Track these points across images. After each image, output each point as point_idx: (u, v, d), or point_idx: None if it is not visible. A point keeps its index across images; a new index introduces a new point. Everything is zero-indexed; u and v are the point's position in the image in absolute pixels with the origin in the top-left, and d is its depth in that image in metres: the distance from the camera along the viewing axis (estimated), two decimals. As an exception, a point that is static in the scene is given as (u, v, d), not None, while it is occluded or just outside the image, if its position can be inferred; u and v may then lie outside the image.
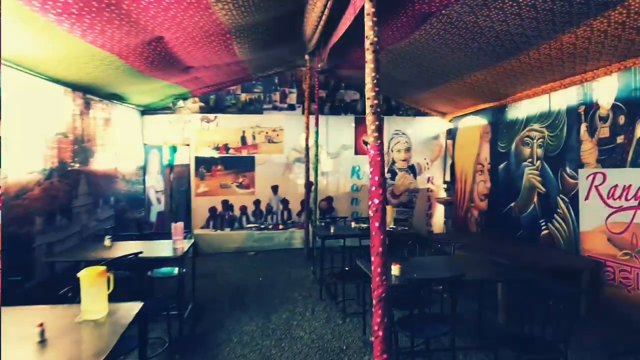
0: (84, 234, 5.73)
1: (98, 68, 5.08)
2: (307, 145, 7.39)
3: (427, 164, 9.24)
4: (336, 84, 8.82)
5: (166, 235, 5.25)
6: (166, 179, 10.11)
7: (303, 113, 8.66)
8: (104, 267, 2.61)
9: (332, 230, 5.69)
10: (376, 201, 2.71)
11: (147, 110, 8.28)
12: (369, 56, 2.74)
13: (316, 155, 6.09)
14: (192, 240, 5.20)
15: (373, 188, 2.75)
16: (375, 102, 2.73)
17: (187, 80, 7.10)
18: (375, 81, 2.71)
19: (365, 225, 5.96)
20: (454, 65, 5.80)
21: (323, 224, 6.09)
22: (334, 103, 8.86)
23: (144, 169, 8.31)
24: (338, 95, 8.87)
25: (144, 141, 8.32)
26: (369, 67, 2.74)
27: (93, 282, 2.48)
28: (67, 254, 4.54)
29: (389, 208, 6.22)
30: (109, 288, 2.57)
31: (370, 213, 2.78)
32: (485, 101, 7.24)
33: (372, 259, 2.71)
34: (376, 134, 2.74)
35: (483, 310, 4.40)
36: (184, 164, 9.43)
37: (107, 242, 4.76)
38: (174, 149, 10.40)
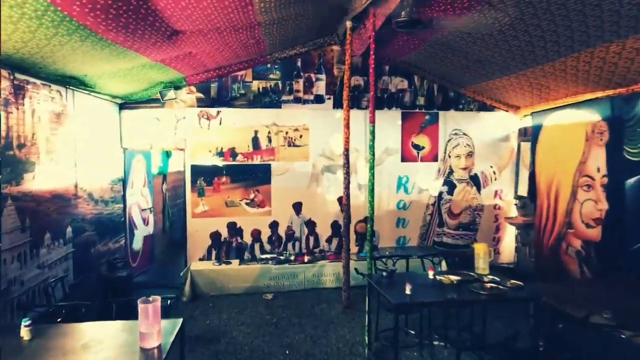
0: (9, 297, 3.63)
1: (30, 28, 3.00)
2: (346, 149, 5.26)
3: (494, 173, 7.09)
4: (378, 69, 6.68)
5: (152, 274, 3.17)
6: (156, 192, 8.02)
7: (335, 106, 6.55)
8: None
9: (407, 290, 3.54)
10: None
11: (127, 104, 6.18)
12: None
13: (372, 161, 3.97)
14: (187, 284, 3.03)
15: None
16: None
17: (178, 59, 4.98)
18: None
19: (457, 278, 3.84)
20: (557, 38, 3.70)
21: (384, 273, 3.98)
22: (374, 94, 6.70)
23: (123, 182, 6.21)
24: (380, 84, 6.73)
25: (123, 145, 6.22)
26: None
27: None
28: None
29: (480, 247, 4.09)
30: None
31: None
32: (597, 88, 5.09)
33: None
34: None
35: None
36: (180, 170, 7.35)
37: (24, 332, 2.65)
38: (167, 154, 8.30)
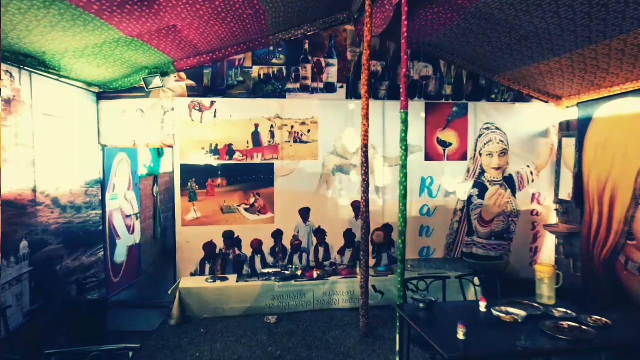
0: None
1: None
2: (365, 145, 4.34)
3: (531, 173, 6.14)
4: (397, 52, 5.76)
5: (139, 289, 2.27)
6: (145, 195, 7.13)
7: (348, 96, 5.63)
8: None
9: (460, 334, 2.60)
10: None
11: (105, 93, 5.28)
12: None
13: (404, 158, 3.02)
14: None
15: None
16: None
17: (161, 36, 4.08)
18: None
19: (520, 313, 2.90)
20: (624, 7, 2.77)
21: (420, 305, 3.04)
22: (393, 81, 5.79)
23: (102, 185, 5.32)
24: (400, 70, 5.79)
25: (101, 141, 5.32)
26: None
27: None
28: None
29: (545, 269, 3.16)
30: None
31: None
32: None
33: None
34: None
35: None
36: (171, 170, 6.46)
37: None
38: (157, 151, 7.40)
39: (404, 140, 3.18)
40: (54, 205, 4.24)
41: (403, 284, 3.34)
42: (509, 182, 6.08)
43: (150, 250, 7.13)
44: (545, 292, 3.25)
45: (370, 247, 5.82)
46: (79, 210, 4.76)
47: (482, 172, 6.03)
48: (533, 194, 6.16)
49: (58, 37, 3.49)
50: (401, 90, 3.19)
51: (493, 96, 6.01)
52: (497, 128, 6.01)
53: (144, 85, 5.24)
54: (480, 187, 6.02)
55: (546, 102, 6.07)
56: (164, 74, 5.32)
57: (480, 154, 6.00)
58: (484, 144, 5.99)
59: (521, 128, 6.08)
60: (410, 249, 5.92)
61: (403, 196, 3.18)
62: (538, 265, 3.36)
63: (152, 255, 7.18)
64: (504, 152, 6.03)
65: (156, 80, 5.26)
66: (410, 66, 5.78)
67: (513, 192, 6.10)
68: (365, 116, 4.30)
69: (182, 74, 5.41)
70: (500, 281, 4.03)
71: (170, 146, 5.46)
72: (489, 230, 6.06)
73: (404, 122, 3.18)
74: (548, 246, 6.21)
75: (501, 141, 6.02)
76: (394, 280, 5.39)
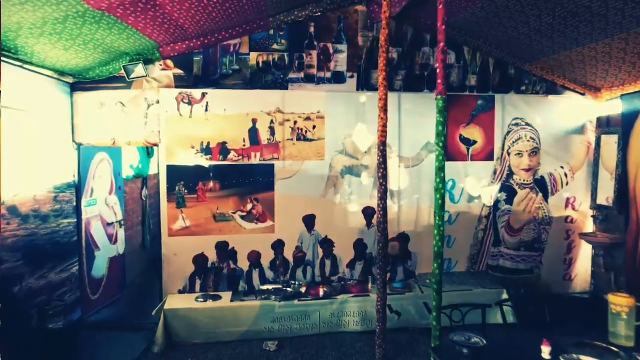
0: None
1: None
2: (382, 142, 3.62)
3: (565, 175, 5.43)
4: (416, 37, 5.05)
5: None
6: (133, 199, 6.43)
7: (359, 87, 4.93)
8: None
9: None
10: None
11: (80, 83, 4.59)
12: None
13: (441, 158, 2.28)
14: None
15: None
16: None
17: (139, 13, 3.38)
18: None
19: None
20: None
21: (464, 351, 2.34)
22: (411, 71, 5.08)
23: (77, 189, 4.62)
24: (418, 58, 5.09)
25: (76, 139, 4.63)
26: None
27: None
28: None
29: (622, 301, 2.44)
30: None
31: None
32: None
33: None
34: None
35: None
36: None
37: None
38: (147, 151, 6.68)
39: (441, 135, 2.48)
40: (10, 215, 3.54)
41: (438, 319, 2.63)
42: (541, 186, 5.37)
43: (137, 261, 6.41)
44: (623, 330, 2.54)
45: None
46: (45, 219, 4.06)
47: (511, 174, 5.31)
48: (567, 199, 5.44)
49: (5, 8, 2.80)
50: (438, 70, 2.50)
51: (523, 88, 5.30)
52: (527, 124, 5.30)
53: (125, 75, 4.54)
54: (509, 191, 5.31)
55: (582, 94, 5.35)
56: (147, 61, 4.62)
57: (508, 154, 5.29)
58: (513, 142, 5.28)
59: (554, 124, 5.36)
60: (428, 262, 5.18)
61: (440, 207, 2.48)
62: (613, 296, 2.65)
63: (139, 266, 6.46)
64: (535, 152, 5.32)
65: (139, 69, 4.55)
66: (429, 53, 5.07)
67: (545, 197, 5.38)
68: (383, 108, 3.59)
69: (169, 62, 4.71)
70: (547, 305, 3.34)
71: (155, 145, 4.76)
72: (518, 239, 5.34)
73: (442, 111, 2.48)
74: (584, 258, 5.50)
75: (532, 139, 5.30)
76: (412, 298, 4.69)
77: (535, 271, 5.40)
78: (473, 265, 5.31)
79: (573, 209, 5.45)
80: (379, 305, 3.77)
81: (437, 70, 2.55)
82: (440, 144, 2.48)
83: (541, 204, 5.37)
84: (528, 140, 5.29)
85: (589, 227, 5.47)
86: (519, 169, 5.31)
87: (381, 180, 3.67)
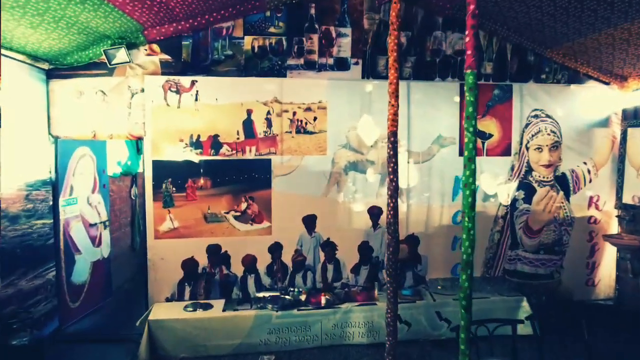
0: None
1: None
2: (393, 133, 3.17)
3: (588, 172, 4.99)
4: (427, 20, 4.60)
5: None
6: (121, 199, 6.01)
7: (365, 75, 4.50)
8: None
9: None
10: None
11: (57, 70, 4.15)
12: None
13: (471, 149, 1.89)
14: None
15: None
16: None
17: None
18: None
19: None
20: None
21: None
22: (421, 57, 4.64)
23: (54, 187, 4.19)
24: (429, 43, 4.65)
25: (52, 131, 4.19)
26: None
27: None
28: None
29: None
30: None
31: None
32: None
33: None
34: None
35: None
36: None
37: None
38: (136, 145, 6.24)
39: (472, 118, 2.04)
40: (-31, 216, 3.11)
41: (467, 342, 2.19)
42: (562, 183, 4.93)
43: (126, 265, 5.98)
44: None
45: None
46: (15, 220, 3.62)
47: (530, 170, 4.87)
48: (590, 198, 5.00)
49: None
50: (467, 39, 2.05)
51: (543, 76, 4.86)
52: (547, 116, 4.85)
53: (107, 61, 4.10)
54: (527, 189, 4.87)
55: (607, 83, 4.92)
56: (131, 45, 4.18)
57: (527, 148, 4.85)
58: (532, 135, 4.84)
59: (576, 116, 4.92)
60: (441, 265, 4.79)
61: (470, 206, 2.04)
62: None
63: (128, 270, 6.03)
64: (556, 146, 4.88)
65: (121, 54, 4.11)
66: (441, 38, 4.63)
67: (567, 196, 4.94)
68: (394, 94, 3.14)
69: (155, 47, 4.27)
70: (585, 319, 2.91)
71: (139, 138, 4.32)
72: (537, 242, 4.90)
73: (472, 89, 2.04)
74: (608, 262, 5.06)
75: (553, 132, 4.86)
76: (424, 307, 4.26)
77: (555, 276, 4.97)
78: (488, 270, 4.88)
79: (597, 208, 5.01)
80: (389, 318, 3.31)
81: (467, 40, 2.11)
82: (471, 129, 2.04)
83: (562, 203, 4.93)
84: (548, 134, 4.85)
85: (614, 228, 5.03)
86: (539, 165, 4.87)
87: (392, 177, 3.21)
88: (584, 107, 4.92)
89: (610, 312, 4.98)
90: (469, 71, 2.08)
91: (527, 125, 4.82)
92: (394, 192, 3.24)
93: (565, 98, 4.87)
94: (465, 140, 2.08)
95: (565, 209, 4.94)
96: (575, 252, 4.98)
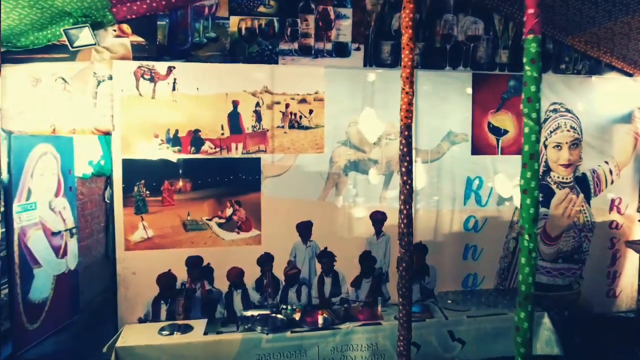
0: None
1: None
2: (407, 126, 2.65)
3: (610, 172, 4.55)
4: (436, 1, 4.10)
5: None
6: (92, 202, 5.40)
7: (367, 63, 3.99)
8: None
9: None
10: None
11: (9, 53, 3.53)
12: None
13: (534, 138, 1.42)
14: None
15: None
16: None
17: None
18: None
19: None
20: None
21: None
22: (430, 43, 4.13)
23: (5, 190, 3.58)
24: (439, 27, 4.14)
25: (4, 125, 3.58)
26: None
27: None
28: None
29: None
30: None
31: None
32: None
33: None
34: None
35: None
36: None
37: None
38: (109, 142, 5.59)
39: (535, 100, 1.52)
40: None
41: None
42: (582, 185, 4.48)
43: (98, 277, 5.34)
44: None
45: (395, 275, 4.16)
46: (-49, 231, 3.01)
47: (548, 170, 4.41)
48: (612, 201, 4.56)
49: None
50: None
51: (563, 66, 4.40)
52: (567, 110, 4.39)
53: (68, 43, 3.51)
54: (545, 191, 4.40)
55: (630, 75, 4.49)
56: (97, 25, 3.59)
57: (545, 146, 4.38)
58: (551, 131, 4.37)
59: (597, 110, 4.48)
60: (450, 276, 4.30)
61: (532, 221, 1.52)
62: None
63: (101, 282, 5.39)
64: (576, 144, 4.42)
65: (85, 35, 3.52)
66: (452, 21, 4.12)
67: (587, 198, 4.50)
68: (409, 79, 2.63)
69: (126, 27, 3.68)
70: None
71: (107, 133, 3.73)
72: (555, 249, 4.44)
73: (535, 60, 1.52)
74: (630, 271, 4.64)
75: (573, 128, 4.40)
76: (435, 326, 3.75)
77: (575, 287, 4.52)
78: (503, 281, 4.40)
79: (619, 212, 4.58)
80: (402, 346, 2.81)
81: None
82: (534, 115, 1.54)
83: (582, 206, 4.48)
84: (568, 130, 4.38)
85: (637, 233, 4.61)
86: (558, 165, 4.40)
87: (405, 178, 2.71)
88: (605, 101, 4.47)
89: (631, 325, 4.57)
90: (531, 36, 1.57)
91: (545, 120, 4.35)
92: (408, 197, 2.73)
93: (586, 91, 4.42)
94: (526, 130, 1.58)
95: (585, 213, 4.49)
96: (595, 260, 4.54)
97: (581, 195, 4.47)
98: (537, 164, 1.59)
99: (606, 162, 4.52)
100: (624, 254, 4.59)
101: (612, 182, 4.54)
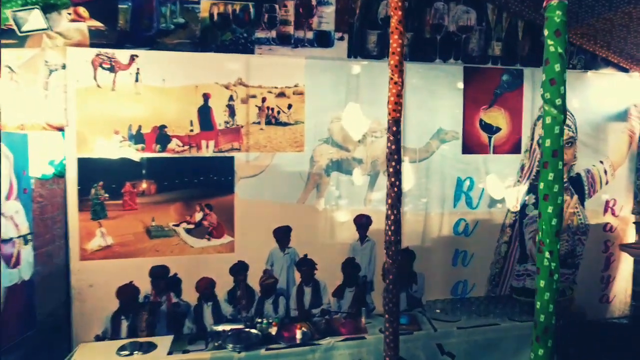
0: None
1: None
2: (395, 121, 2.35)
3: (605, 172, 4.34)
4: (425, -11, 3.81)
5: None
6: (49, 206, 4.92)
7: (351, 54, 3.67)
8: None
9: None
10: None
11: (-55, 36, 3.11)
12: None
13: (558, 132, 1.17)
14: None
15: None
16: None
17: None
18: None
19: None
20: None
21: None
22: (419, 34, 3.84)
23: (-59, 192, 3.16)
24: (429, 17, 3.85)
25: (-60, 118, 3.15)
26: None
27: None
28: None
29: None
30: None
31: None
32: None
33: None
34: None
35: None
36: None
37: None
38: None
39: (560, 84, 1.23)
40: None
41: None
42: (576, 185, 4.27)
43: (58, 287, 4.90)
44: None
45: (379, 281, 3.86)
46: None
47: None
48: (607, 202, 4.36)
49: None
50: None
51: (557, 61, 4.16)
52: (562, 107, 4.16)
53: (15, 27, 3.10)
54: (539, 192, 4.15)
55: (627, 70, 4.28)
56: (49, 8, 3.19)
57: (539, 145, 4.14)
58: (544, 130, 4.13)
59: (592, 108, 4.27)
60: (439, 284, 4.03)
61: (554, 234, 1.24)
62: None
63: (62, 292, 4.95)
64: (570, 142, 4.20)
65: (35, 18, 3.13)
66: (443, 10, 3.84)
67: (581, 200, 4.29)
68: (398, 67, 2.32)
69: (82, 10, 3.28)
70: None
71: (60, 129, 3.32)
72: (549, 254, 4.20)
73: (559, 32, 1.23)
74: (624, 275, 4.45)
75: (567, 126, 4.17)
76: (422, 339, 3.48)
77: (567, 293, 4.30)
78: (494, 288, 4.15)
79: (613, 214, 4.38)
80: (388, 350, 2.50)
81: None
82: (558, 102, 1.25)
83: (576, 208, 4.27)
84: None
85: (632, 236, 4.42)
86: (551, 165, 4.17)
87: (393, 179, 2.40)
88: (600, 98, 4.26)
89: (624, 331, 4.38)
90: (555, 2, 1.26)
91: (539, 118, 4.10)
92: (396, 200, 2.43)
93: (582, 86, 4.21)
94: (547, 120, 1.29)
95: (579, 215, 4.28)
96: (589, 264, 4.34)
97: (575, 197, 4.25)
98: (561, 162, 1.29)
99: (601, 162, 4.31)
100: (618, 257, 4.40)
101: (607, 182, 4.34)
